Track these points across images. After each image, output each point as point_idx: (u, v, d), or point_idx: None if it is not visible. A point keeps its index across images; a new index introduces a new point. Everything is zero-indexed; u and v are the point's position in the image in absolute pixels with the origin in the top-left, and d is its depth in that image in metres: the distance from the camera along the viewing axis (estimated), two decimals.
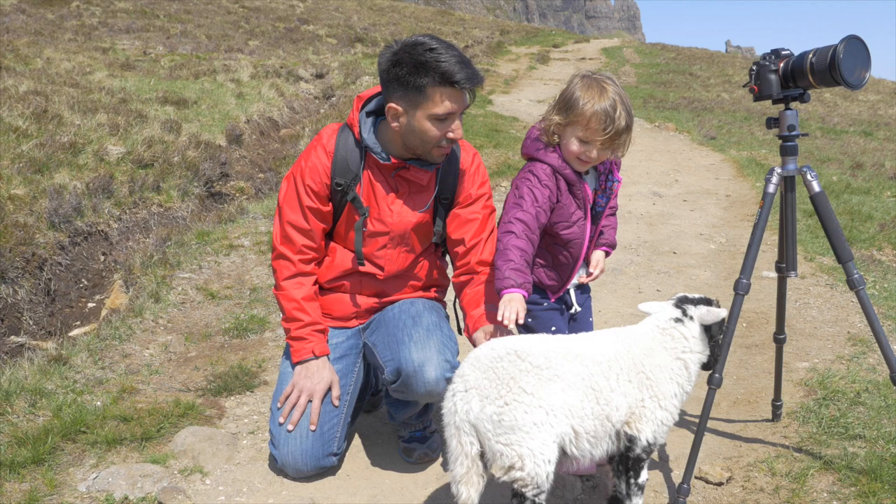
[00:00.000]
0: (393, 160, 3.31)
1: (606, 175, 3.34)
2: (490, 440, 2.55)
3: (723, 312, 2.86)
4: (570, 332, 3.51)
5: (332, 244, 3.53)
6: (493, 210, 3.53)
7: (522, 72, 23.44)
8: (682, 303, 2.89)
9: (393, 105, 3.15)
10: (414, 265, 3.56)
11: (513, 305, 2.91)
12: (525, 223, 3.09)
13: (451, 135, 3.18)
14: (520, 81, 21.31)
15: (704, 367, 2.96)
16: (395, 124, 3.20)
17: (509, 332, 3.11)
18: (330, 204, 3.42)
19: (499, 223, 3.26)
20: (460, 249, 3.48)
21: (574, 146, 3.13)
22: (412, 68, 3.04)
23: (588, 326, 3.61)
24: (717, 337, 2.95)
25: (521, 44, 32.63)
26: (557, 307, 3.45)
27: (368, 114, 3.37)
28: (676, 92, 21.48)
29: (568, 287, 3.44)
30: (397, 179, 3.37)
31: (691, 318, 2.86)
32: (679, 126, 14.72)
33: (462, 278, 3.49)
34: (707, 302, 2.91)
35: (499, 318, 2.89)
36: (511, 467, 2.54)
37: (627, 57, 29.44)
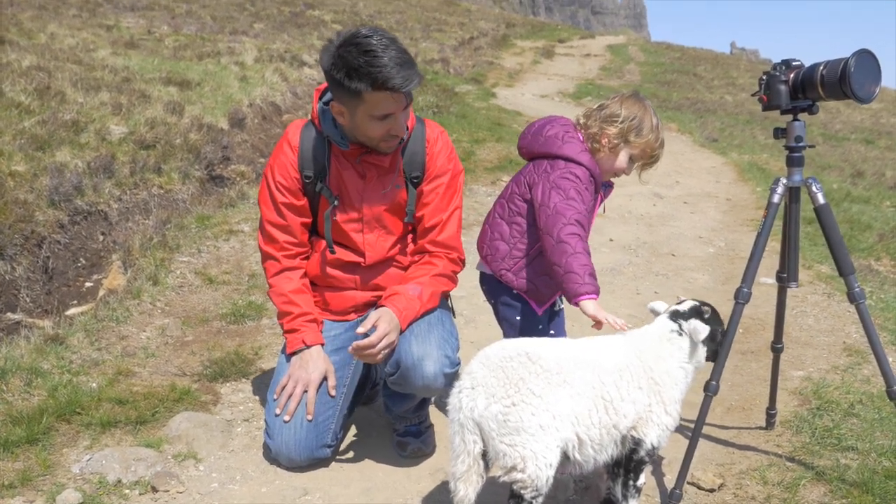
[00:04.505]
0: (351, 146, 3.33)
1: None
2: (494, 439, 2.56)
3: (703, 330, 2.86)
4: (550, 327, 3.54)
5: (316, 238, 3.56)
6: (457, 190, 3.53)
7: (527, 66, 23.42)
8: (675, 317, 2.91)
9: (335, 104, 3.19)
10: (396, 250, 3.57)
11: (605, 312, 2.88)
12: (582, 225, 3.08)
13: (392, 132, 3.21)
14: (524, 75, 21.29)
15: (712, 359, 3.03)
16: (340, 119, 3.24)
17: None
18: (305, 198, 3.45)
19: (505, 213, 3.34)
20: (419, 228, 3.53)
21: (624, 163, 3.29)
22: (347, 73, 3.03)
23: (561, 320, 3.65)
24: (717, 333, 3.00)
25: (527, 37, 32.55)
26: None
27: (327, 103, 3.37)
28: (680, 92, 21.49)
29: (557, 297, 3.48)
30: (364, 164, 3.39)
31: (686, 332, 2.88)
32: (682, 127, 14.73)
33: (416, 257, 3.56)
34: (697, 312, 2.92)
35: (612, 323, 2.85)
36: (513, 468, 2.54)
37: (632, 55, 29.40)
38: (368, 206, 3.43)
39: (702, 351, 2.91)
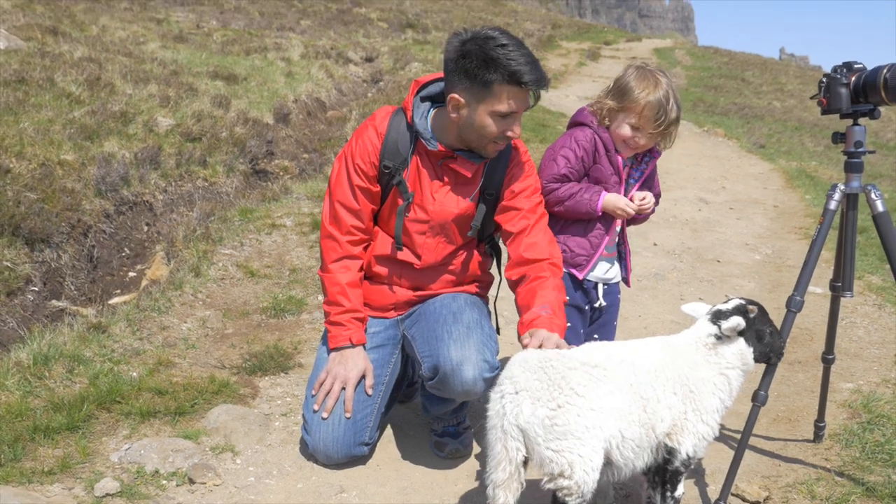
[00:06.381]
0: (440, 148, 3.26)
1: (644, 152, 3.50)
2: (539, 445, 2.48)
3: (739, 324, 2.74)
4: (593, 331, 3.53)
5: (375, 228, 3.50)
6: (541, 201, 3.42)
7: (572, 67, 23.22)
8: (716, 318, 2.80)
9: (455, 96, 3.11)
10: (452, 258, 3.50)
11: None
12: (559, 180, 3.38)
13: (509, 133, 3.15)
14: (569, 77, 21.12)
15: (763, 360, 2.91)
16: (454, 115, 3.16)
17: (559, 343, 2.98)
18: (378, 185, 3.39)
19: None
20: (513, 243, 3.34)
21: (625, 131, 3.33)
22: (481, 62, 2.99)
23: (611, 328, 3.64)
24: (765, 332, 2.85)
25: (573, 39, 32.33)
26: (578, 304, 3.48)
27: (423, 99, 3.33)
28: (727, 97, 21.16)
29: (596, 259, 3.48)
30: (444, 168, 3.33)
31: (725, 334, 2.77)
32: (728, 132, 14.48)
33: (514, 274, 3.32)
34: (741, 311, 2.80)
35: (639, 201, 3.39)
36: (560, 475, 2.47)
37: (679, 59, 29.03)
38: (439, 211, 3.35)
39: (748, 352, 2.80)
